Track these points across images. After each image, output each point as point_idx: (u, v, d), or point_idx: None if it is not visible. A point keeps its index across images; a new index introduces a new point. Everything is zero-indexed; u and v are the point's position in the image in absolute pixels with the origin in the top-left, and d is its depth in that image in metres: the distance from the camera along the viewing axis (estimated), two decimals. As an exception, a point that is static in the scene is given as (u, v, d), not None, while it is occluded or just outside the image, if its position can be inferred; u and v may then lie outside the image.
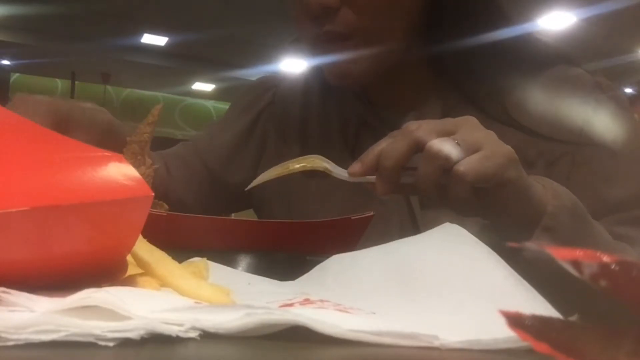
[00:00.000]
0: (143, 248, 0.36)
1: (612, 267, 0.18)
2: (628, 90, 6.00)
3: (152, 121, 0.62)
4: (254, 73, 5.83)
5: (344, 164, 0.62)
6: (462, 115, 0.54)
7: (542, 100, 0.67)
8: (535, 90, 0.68)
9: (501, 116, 0.65)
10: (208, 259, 0.45)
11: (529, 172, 0.53)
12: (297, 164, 0.55)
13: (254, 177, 0.60)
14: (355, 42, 0.64)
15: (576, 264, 0.18)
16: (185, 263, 0.42)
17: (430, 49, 0.68)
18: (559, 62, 0.70)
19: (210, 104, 7.24)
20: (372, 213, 0.57)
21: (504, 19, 0.68)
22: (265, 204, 0.82)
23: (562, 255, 0.19)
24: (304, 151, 0.74)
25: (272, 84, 0.85)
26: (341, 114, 0.76)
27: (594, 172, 0.66)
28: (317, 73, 0.78)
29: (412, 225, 0.68)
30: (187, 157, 0.83)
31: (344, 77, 0.67)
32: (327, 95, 0.78)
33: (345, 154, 0.73)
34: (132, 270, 0.35)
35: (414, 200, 0.69)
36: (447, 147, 0.47)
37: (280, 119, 0.81)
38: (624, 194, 0.64)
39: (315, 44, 0.67)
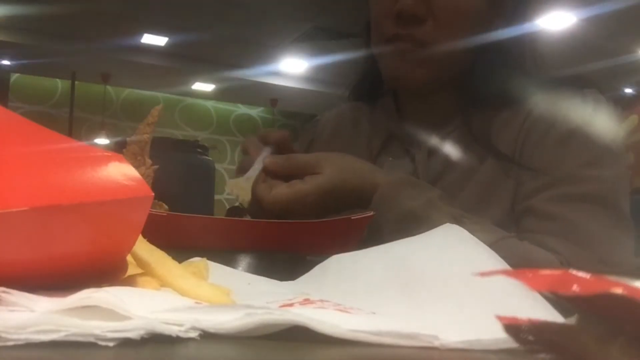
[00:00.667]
0: (143, 248, 0.36)
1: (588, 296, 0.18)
2: (628, 90, 5.99)
3: (152, 122, 0.62)
4: (254, 73, 5.83)
5: None
6: (456, 139, 0.76)
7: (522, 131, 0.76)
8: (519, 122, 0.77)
9: (485, 143, 0.76)
10: (208, 259, 0.45)
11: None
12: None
13: None
14: (426, 51, 0.74)
15: (552, 292, 0.19)
16: (185, 263, 0.42)
17: (463, 77, 0.79)
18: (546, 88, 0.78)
19: (210, 104, 7.23)
20: (372, 213, 0.57)
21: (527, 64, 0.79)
22: None
23: (536, 286, 0.19)
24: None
25: (312, 126, 0.99)
26: (371, 125, 0.87)
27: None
28: (353, 101, 0.93)
29: None
30: None
31: (405, 79, 0.77)
32: (360, 110, 0.90)
33: (369, 160, 0.81)
34: (132, 270, 0.35)
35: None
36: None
37: (319, 142, 0.93)
38: (554, 175, 0.70)
39: (390, 42, 0.76)
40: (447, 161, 0.78)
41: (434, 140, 0.79)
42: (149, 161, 0.60)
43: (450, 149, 0.78)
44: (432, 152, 0.79)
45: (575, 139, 0.71)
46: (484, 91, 0.77)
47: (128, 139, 0.61)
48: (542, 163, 0.72)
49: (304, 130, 1.03)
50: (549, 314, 0.30)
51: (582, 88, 0.76)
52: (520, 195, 0.72)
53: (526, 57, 0.79)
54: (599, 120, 0.74)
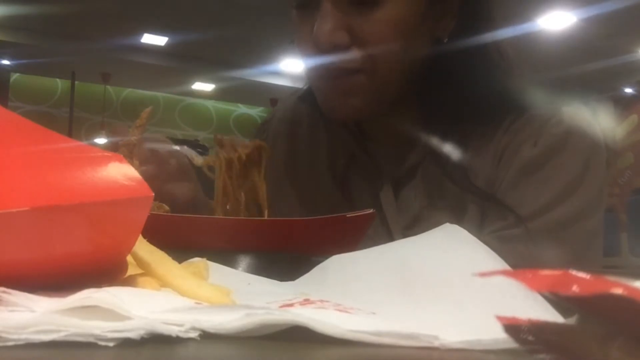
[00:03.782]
0: (143, 248, 0.36)
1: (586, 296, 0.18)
2: (628, 90, 5.99)
3: (141, 124, 0.63)
4: (254, 73, 5.83)
5: (332, 198, 0.72)
6: (425, 170, 0.68)
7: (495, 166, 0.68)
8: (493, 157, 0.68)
9: (461, 182, 0.67)
10: (208, 259, 0.45)
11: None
12: None
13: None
14: (358, 78, 0.65)
15: (552, 292, 0.19)
16: (185, 263, 0.42)
17: (421, 96, 0.70)
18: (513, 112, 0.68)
19: (210, 104, 7.23)
20: (372, 210, 0.57)
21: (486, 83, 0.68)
22: None
23: (536, 287, 0.19)
24: (294, 186, 0.77)
25: (266, 126, 0.87)
26: (330, 147, 0.77)
27: None
28: (308, 105, 0.79)
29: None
30: None
31: (340, 110, 0.68)
32: (316, 129, 0.79)
33: (334, 188, 0.75)
34: (132, 270, 0.35)
35: (394, 225, 0.70)
36: None
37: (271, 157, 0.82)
38: (521, 212, 0.64)
39: (321, 77, 0.67)
40: (415, 194, 0.70)
41: (399, 172, 0.71)
42: (136, 163, 0.61)
43: (418, 181, 0.70)
44: (398, 183, 0.72)
45: (544, 173, 0.65)
46: (446, 111, 0.69)
47: (120, 142, 0.62)
48: (514, 201, 0.65)
49: (254, 134, 0.90)
50: (549, 314, 0.30)
51: (563, 101, 0.69)
52: (486, 230, 0.65)
53: (491, 65, 0.69)
54: (577, 144, 0.66)
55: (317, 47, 0.64)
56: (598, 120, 0.71)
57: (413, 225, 0.69)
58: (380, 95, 0.67)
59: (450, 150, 0.68)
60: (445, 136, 0.69)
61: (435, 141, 0.69)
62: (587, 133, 0.67)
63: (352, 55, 0.63)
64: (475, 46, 0.67)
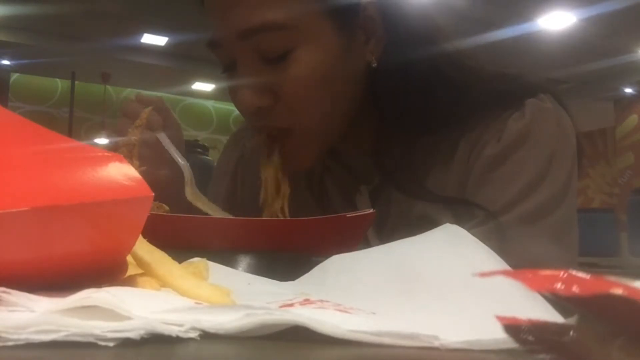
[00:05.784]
0: (143, 248, 0.35)
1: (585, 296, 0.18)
2: (628, 90, 5.99)
3: (140, 124, 0.63)
4: (254, 73, 5.82)
5: (309, 208, 0.74)
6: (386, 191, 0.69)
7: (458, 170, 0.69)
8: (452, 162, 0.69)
9: (416, 192, 0.69)
10: (208, 259, 0.45)
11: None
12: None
13: None
14: (294, 140, 0.66)
15: (552, 292, 0.19)
16: (185, 263, 0.42)
17: (380, 112, 0.70)
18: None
19: (210, 104, 7.23)
20: (372, 210, 0.57)
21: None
22: None
23: (536, 287, 0.19)
24: None
25: (241, 136, 0.88)
26: None
27: None
28: None
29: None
30: None
31: (292, 169, 0.69)
32: None
33: (310, 198, 0.77)
34: (132, 270, 0.35)
35: (371, 234, 0.70)
36: None
37: (250, 169, 0.81)
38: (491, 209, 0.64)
39: (260, 140, 0.69)
40: (390, 201, 0.71)
41: (374, 181, 0.73)
42: (136, 163, 0.61)
43: (393, 189, 0.71)
44: (374, 191, 0.73)
45: (508, 168, 0.65)
46: (406, 124, 0.69)
47: (120, 141, 0.62)
48: (482, 198, 0.65)
49: (229, 143, 0.91)
50: (549, 314, 0.30)
51: (523, 98, 0.68)
52: None
53: (444, 74, 0.68)
54: (539, 135, 0.66)
55: (241, 112, 0.67)
56: (566, 110, 0.69)
57: (390, 233, 0.67)
58: (322, 146, 0.69)
59: (407, 169, 0.69)
60: (409, 149, 0.70)
61: (395, 158, 0.70)
62: (551, 123, 0.67)
63: (278, 113, 0.64)
64: (414, 60, 0.66)
